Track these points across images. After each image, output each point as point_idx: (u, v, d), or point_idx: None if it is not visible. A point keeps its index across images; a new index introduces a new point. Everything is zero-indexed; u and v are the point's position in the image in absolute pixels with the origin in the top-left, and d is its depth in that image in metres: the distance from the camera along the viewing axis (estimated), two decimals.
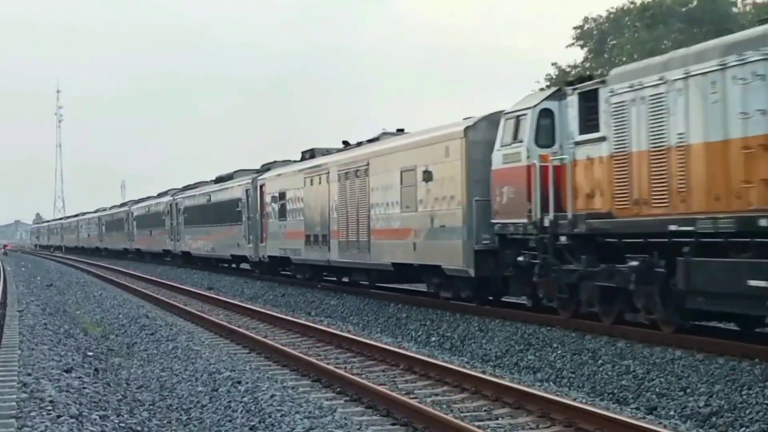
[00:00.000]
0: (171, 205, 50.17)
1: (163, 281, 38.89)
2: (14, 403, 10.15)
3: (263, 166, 37.07)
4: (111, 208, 75.16)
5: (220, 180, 42.03)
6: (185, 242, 46.32)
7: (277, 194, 32.66)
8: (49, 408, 9.99)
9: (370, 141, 26.72)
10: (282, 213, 32.01)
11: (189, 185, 49.39)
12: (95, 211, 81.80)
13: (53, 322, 20.31)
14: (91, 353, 16.32)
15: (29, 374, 12.16)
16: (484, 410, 11.67)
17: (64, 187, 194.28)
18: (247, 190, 36.17)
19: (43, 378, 11.94)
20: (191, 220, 45.72)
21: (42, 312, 22.62)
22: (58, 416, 9.63)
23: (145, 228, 57.30)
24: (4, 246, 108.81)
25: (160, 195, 55.77)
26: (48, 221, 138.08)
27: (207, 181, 45.91)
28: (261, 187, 34.59)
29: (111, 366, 15.75)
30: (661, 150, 14.24)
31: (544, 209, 16.82)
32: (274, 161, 36.20)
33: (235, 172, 40.32)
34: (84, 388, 11.86)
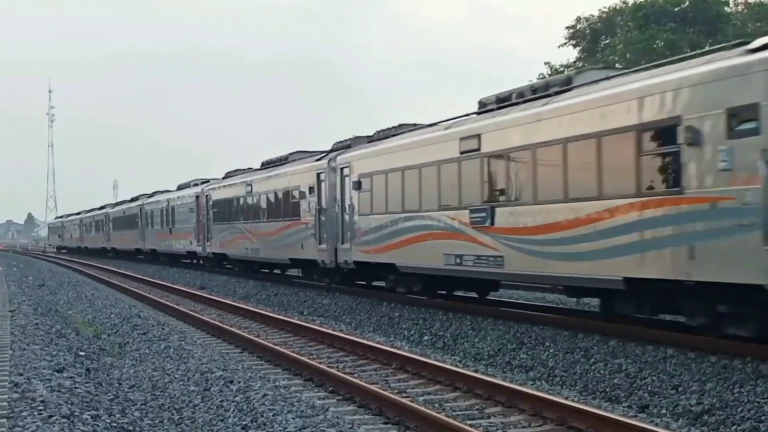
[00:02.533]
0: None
1: (155, 281, 38.84)
2: (6, 403, 10.12)
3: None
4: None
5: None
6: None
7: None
8: (41, 408, 9.95)
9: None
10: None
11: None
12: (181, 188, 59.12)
13: (45, 321, 20.23)
14: (82, 353, 16.27)
15: (21, 374, 12.12)
16: (477, 409, 11.68)
17: (56, 187, 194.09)
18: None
19: (34, 378, 11.90)
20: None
21: (34, 312, 22.54)
22: (50, 416, 9.60)
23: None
24: None
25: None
26: (82, 212, 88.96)
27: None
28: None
29: (103, 366, 15.70)
30: None
31: None
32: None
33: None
34: (76, 387, 11.82)
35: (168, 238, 49.96)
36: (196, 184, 45.77)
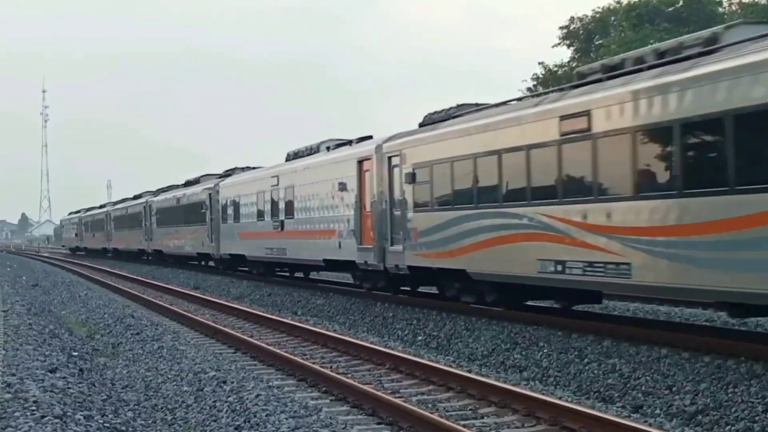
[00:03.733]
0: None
1: (149, 281, 38.79)
2: None
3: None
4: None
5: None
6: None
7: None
8: (33, 408, 9.92)
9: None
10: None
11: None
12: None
13: (38, 322, 20.20)
14: (76, 353, 16.23)
15: (13, 374, 12.10)
16: (470, 409, 11.67)
17: (50, 187, 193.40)
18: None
19: (27, 378, 11.87)
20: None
21: (27, 312, 22.50)
22: (42, 416, 9.57)
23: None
24: None
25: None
26: (107, 205, 71.39)
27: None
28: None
29: (96, 366, 15.68)
30: None
31: None
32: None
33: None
34: (69, 388, 11.79)
35: (276, 237, 31.79)
36: (341, 144, 28.25)
